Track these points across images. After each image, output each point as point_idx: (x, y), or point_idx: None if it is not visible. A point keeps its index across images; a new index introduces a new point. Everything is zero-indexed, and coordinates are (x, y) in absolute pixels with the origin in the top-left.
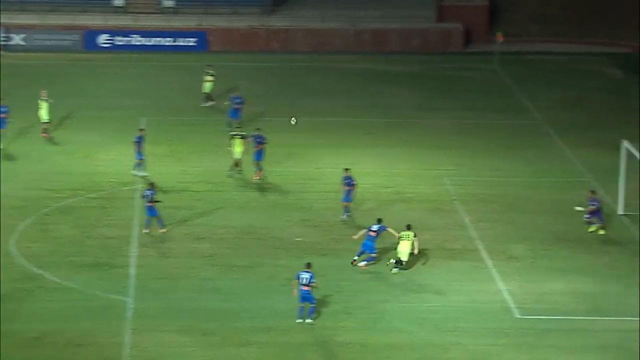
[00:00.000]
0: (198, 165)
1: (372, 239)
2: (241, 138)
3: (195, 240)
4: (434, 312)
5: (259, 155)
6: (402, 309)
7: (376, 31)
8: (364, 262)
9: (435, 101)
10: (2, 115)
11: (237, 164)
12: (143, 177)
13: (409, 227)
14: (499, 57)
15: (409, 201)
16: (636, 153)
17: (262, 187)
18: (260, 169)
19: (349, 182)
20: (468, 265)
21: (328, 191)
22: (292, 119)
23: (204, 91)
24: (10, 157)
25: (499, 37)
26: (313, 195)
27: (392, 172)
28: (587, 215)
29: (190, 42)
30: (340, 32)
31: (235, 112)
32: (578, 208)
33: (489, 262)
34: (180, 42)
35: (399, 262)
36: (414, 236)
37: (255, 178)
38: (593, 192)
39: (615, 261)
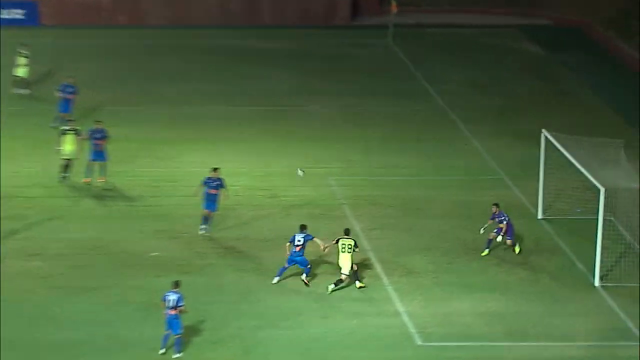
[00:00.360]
0: (31, 166)
1: (300, 253)
2: (74, 134)
3: (27, 257)
4: (318, 340)
5: (100, 154)
6: (280, 336)
7: (245, 0)
8: (304, 276)
9: (318, 85)
10: None
11: (67, 165)
12: None
13: (347, 233)
14: (393, 30)
15: (288, 206)
16: (558, 145)
17: (108, 192)
18: (103, 170)
19: (215, 185)
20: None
21: (189, 195)
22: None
23: (16, 74)
24: None
25: (393, 7)
26: (171, 200)
27: (267, 172)
28: (495, 230)
29: (17, 14)
30: (202, 2)
31: (66, 105)
32: (483, 230)
33: (385, 279)
34: (4, 14)
35: (338, 281)
36: (355, 246)
37: (98, 180)
38: (497, 205)
39: (534, 275)
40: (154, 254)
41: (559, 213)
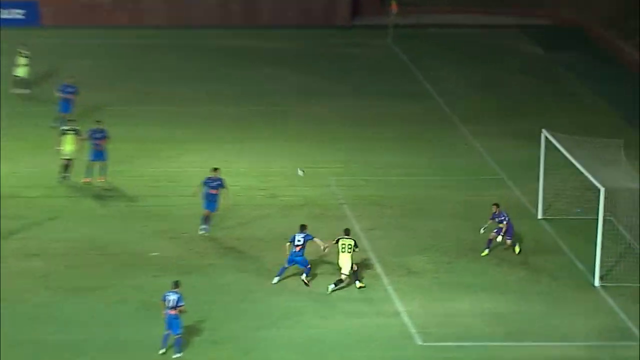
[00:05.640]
0: (31, 166)
1: (300, 253)
2: (74, 134)
3: (27, 257)
4: (318, 340)
5: (100, 154)
6: (280, 336)
7: (246, 0)
8: (305, 276)
9: (318, 85)
10: None
11: (67, 165)
12: None
13: (347, 233)
14: (393, 30)
15: (288, 206)
16: (558, 144)
17: (108, 192)
18: (103, 170)
19: (215, 185)
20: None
21: (189, 195)
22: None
23: (16, 74)
24: None
25: (394, 6)
26: (171, 200)
27: (267, 172)
28: (495, 230)
29: (18, 14)
30: (203, 3)
31: (66, 105)
32: (483, 230)
33: (385, 279)
34: (4, 14)
35: (338, 281)
36: (355, 246)
37: (98, 180)
38: (497, 205)
39: (534, 275)
40: (153, 253)
41: (558, 213)
